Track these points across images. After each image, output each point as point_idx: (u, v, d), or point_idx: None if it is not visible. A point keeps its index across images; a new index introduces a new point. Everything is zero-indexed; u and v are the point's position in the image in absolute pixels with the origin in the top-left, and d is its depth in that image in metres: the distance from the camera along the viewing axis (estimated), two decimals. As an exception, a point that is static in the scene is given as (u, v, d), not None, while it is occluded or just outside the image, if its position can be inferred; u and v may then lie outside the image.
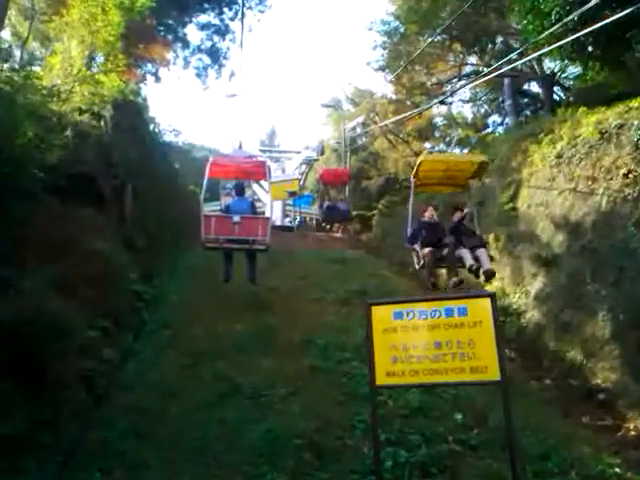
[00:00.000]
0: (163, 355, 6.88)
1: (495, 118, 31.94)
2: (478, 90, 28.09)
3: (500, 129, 31.03)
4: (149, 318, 8.20)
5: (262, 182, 18.22)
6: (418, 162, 8.00)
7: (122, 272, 7.93)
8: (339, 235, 19.84)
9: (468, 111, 38.31)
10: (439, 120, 34.36)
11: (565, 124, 9.84)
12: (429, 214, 8.57)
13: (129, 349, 7.02)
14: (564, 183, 8.64)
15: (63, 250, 6.59)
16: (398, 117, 17.64)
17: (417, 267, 8.22)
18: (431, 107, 20.01)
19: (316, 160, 23.05)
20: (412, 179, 8.36)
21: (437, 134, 34.98)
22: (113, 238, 8.19)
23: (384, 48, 18.09)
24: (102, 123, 9.07)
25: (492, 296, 3.86)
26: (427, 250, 7.74)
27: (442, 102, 17.22)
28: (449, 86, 19.94)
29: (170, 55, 17.91)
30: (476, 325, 3.79)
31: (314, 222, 22.75)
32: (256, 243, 8.55)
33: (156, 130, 15.73)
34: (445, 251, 7.75)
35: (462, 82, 19.72)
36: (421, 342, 3.89)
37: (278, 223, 19.37)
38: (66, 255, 6.61)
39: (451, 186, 9.12)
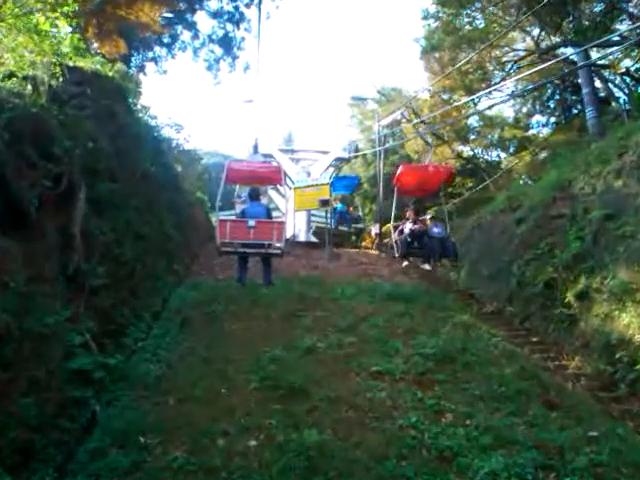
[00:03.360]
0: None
1: (539, 117, 28.60)
2: (520, 86, 24.65)
3: (545, 130, 27.54)
4: (100, 416, 4.75)
5: (279, 188, 15.48)
6: None
7: (47, 343, 4.50)
8: (376, 252, 16.30)
9: (507, 111, 34.63)
10: (474, 121, 31.35)
11: None
12: None
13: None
14: None
15: None
16: (450, 106, 14.09)
17: None
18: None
19: (347, 161, 19.54)
20: None
21: (472, 136, 31.85)
22: (37, 279, 4.76)
23: (436, 19, 14.58)
24: (32, 90, 5.67)
25: None
26: None
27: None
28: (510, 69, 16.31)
29: (161, 15, 14.27)
30: None
31: (372, 233, 18.63)
32: (271, 247, 8.48)
33: (149, 122, 12.44)
34: None
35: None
36: None
37: (302, 239, 15.92)
38: None
39: None
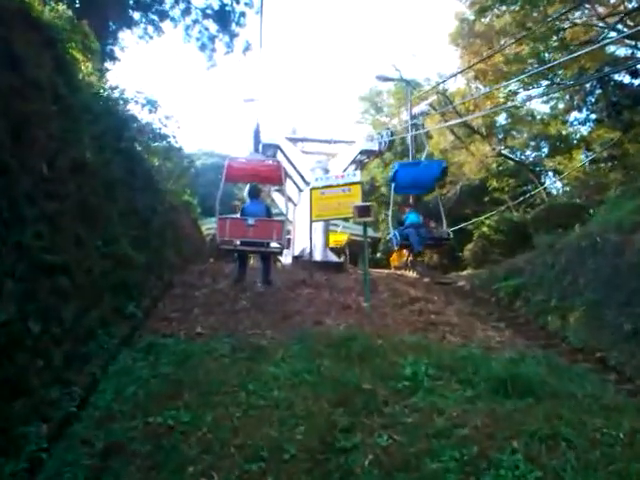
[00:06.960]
0: None
1: (576, 114, 25.04)
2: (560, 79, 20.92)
3: (583, 128, 24.07)
4: None
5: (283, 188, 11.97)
6: None
7: None
8: (413, 275, 12.43)
9: (539, 108, 31.17)
10: (502, 118, 28.31)
11: None
12: None
13: None
14: None
15: None
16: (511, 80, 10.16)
17: None
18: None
19: (377, 155, 15.61)
20: None
21: (500, 135, 28.78)
22: None
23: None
24: None
25: None
26: None
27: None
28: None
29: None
30: None
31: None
32: (270, 246, 8.54)
33: (105, 92, 8.64)
34: None
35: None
36: None
37: (318, 257, 12.06)
38: None
39: None
